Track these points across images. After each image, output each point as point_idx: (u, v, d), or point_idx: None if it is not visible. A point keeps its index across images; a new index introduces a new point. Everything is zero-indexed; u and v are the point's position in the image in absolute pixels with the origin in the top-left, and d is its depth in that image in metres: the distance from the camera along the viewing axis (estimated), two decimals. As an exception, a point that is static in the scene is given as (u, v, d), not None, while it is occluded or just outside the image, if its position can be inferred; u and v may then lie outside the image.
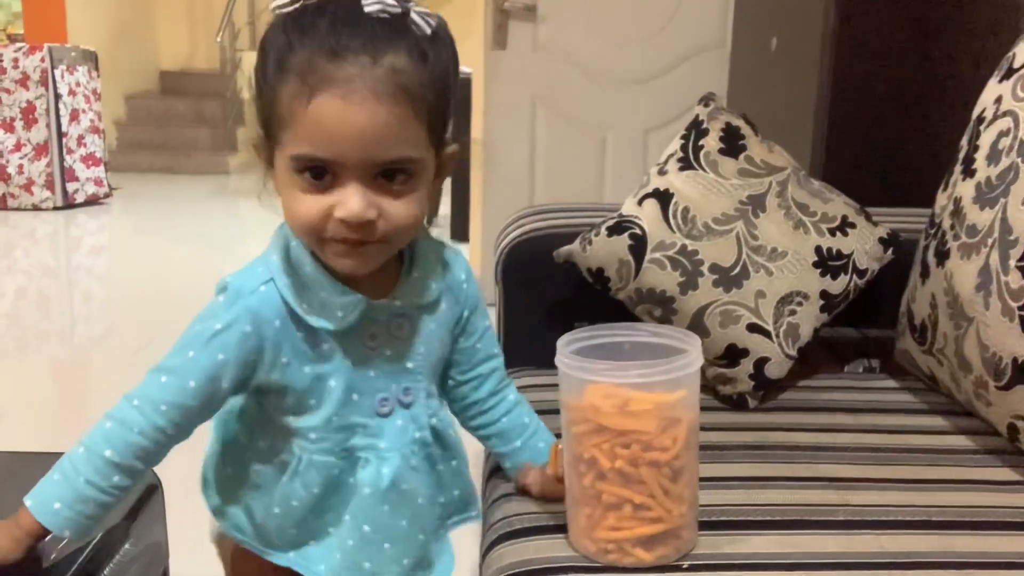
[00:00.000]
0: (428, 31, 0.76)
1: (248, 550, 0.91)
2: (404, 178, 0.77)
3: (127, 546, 0.98)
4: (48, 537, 0.82)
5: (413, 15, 0.76)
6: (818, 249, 1.29)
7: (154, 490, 1.07)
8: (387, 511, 0.87)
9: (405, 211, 0.78)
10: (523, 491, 0.99)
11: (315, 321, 0.82)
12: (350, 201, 0.75)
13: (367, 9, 0.74)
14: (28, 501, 0.82)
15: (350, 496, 0.87)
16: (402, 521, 0.88)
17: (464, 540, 1.77)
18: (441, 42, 0.78)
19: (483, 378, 0.97)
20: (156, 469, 1.05)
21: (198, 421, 0.84)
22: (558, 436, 0.93)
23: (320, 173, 0.76)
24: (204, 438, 0.91)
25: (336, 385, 0.84)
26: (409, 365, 0.88)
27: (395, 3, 0.75)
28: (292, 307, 0.82)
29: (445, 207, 4.82)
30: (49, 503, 0.81)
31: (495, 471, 1.06)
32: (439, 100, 0.77)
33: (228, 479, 0.92)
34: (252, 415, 0.89)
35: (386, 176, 0.76)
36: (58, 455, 0.90)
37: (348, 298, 0.82)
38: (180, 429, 0.82)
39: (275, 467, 0.88)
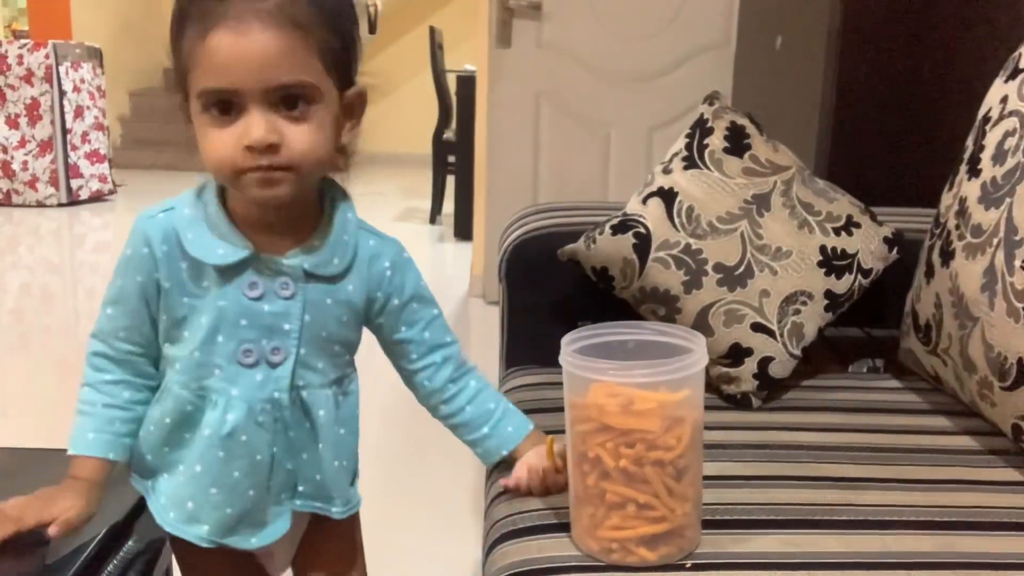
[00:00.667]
0: None
1: (184, 542, 0.93)
2: (304, 106, 0.82)
3: (130, 543, 0.98)
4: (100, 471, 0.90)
5: None
6: (823, 248, 1.29)
7: (158, 487, 1.07)
8: (221, 457, 0.89)
9: (306, 137, 0.82)
10: (518, 489, 0.98)
11: (193, 251, 0.86)
12: (253, 127, 0.80)
13: None
14: (70, 449, 0.89)
15: (196, 436, 0.90)
16: (234, 472, 0.90)
17: (466, 539, 1.78)
18: None
19: (436, 367, 0.98)
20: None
21: (155, 341, 0.91)
22: (557, 432, 0.93)
23: (226, 108, 0.81)
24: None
25: (204, 322, 0.88)
26: (285, 326, 0.89)
27: None
28: (179, 235, 0.87)
29: (449, 205, 4.83)
30: (83, 438, 0.89)
31: (496, 469, 1.06)
32: (332, 35, 0.83)
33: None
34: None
35: (286, 104, 0.81)
36: (63, 452, 0.90)
37: (235, 242, 0.87)
38: (142, 347, 0.91)
39: (155, 396, 0.93)
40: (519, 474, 0.99)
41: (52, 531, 0.85)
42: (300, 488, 0.94)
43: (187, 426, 0.90)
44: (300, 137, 0.82)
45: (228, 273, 0.87)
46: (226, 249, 0.87)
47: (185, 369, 0.89)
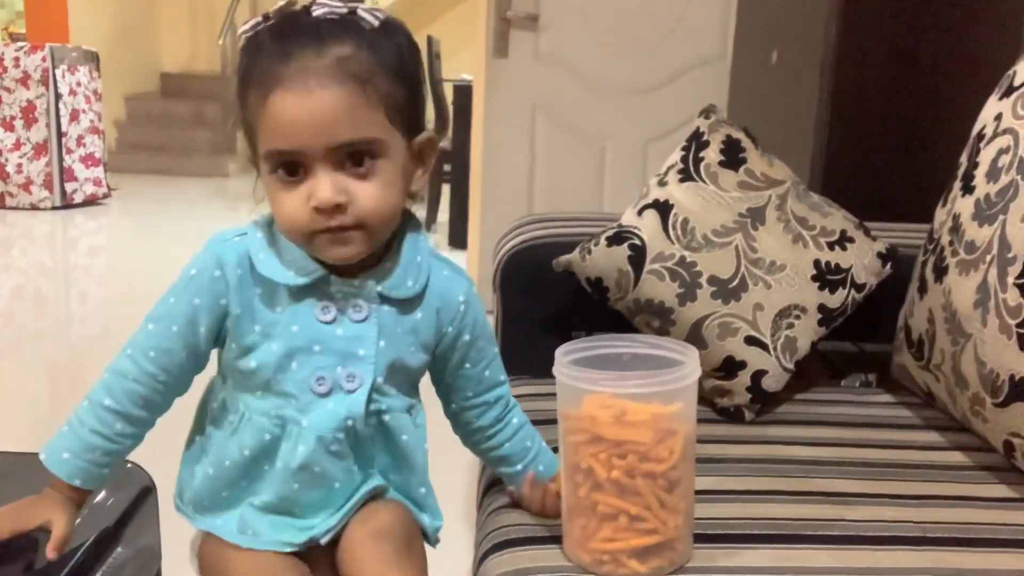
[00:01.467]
0: (376, 23, 0.81)
1: (217, 552, 0.91)
2: (370, 161, 0.80)
3: (119, 549, 0.97)
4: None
5: (360, 12, 0.81)
6: (817, 263, 1.29)
7: (148, 492, 1.07)
8: (296, 489, 0.88)
9: (373, 193, 0.80)
10: (519, 503, 0.99)
11: (265, 270, 0.84)
12: (319, 188, 0.79)
13: (315, 13, 0.80)
14: (42, 454, 0.86)
15: (276, 466, 0.88)
16: (313, 496, 0.89)
17: (458, 549, 1.77)
18: (391, 32, 0.83)
19: (488, 406, 0.97)
20: (150, 471, 1.06)
21: (189, 370, 0.87)
22: (554, 447, 0.93)
23: (292, 169, 0.80)
24: (185, 435, 0.91)
25: (276, 348, 0.85)
26: (360, 352, 0.87)
27: (341, 5, 0.81)
28: (252, 258, 0.85)
29: (444, 213, 4.83)
30: (59, 454, 0.85)
31: (492, 483, 1.06)
32: (395, 85, 0.81)
33: (193, 450, 0.93)
34: (218, 378, 0.92)
35: (352, 161, 0.80)
36: (52, 456, 0.89)
37: (307, 264, 0.85)
38: (171, 376, 0.86)
39: (222, 427, 0.90)
40: (523, 490, 0.98)
41: (49, 553, 0.83)
42: (388, 478, 0.93)
43: (267, 457, 0.88)
44: (367, 194, 0.80)
45: (300, 295, 0.85)
46: (298, 269, 0.85)
47: (266, 396, 0.87)
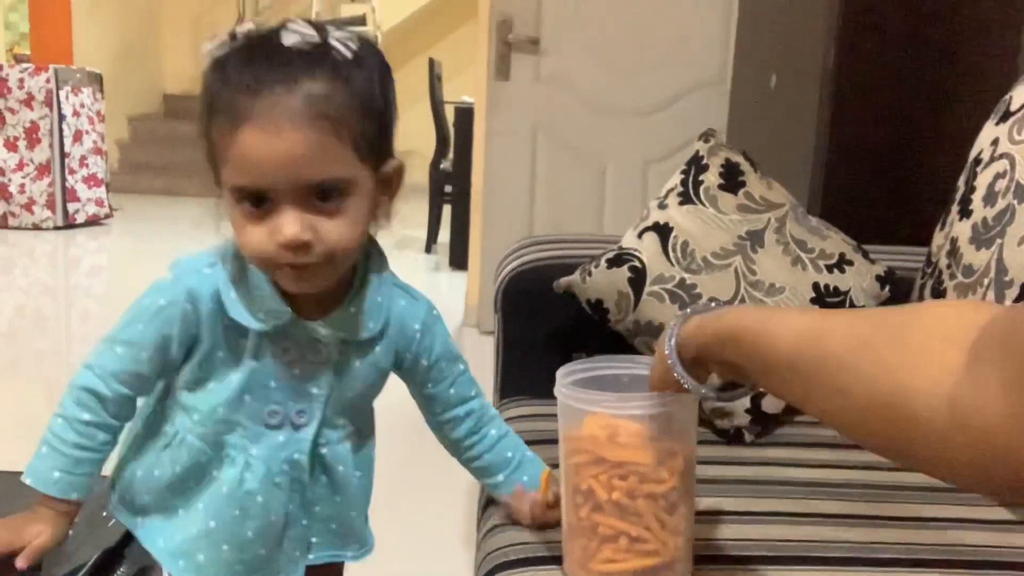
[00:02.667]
0: (348, 55, 0.78)
1: None
2: (337, 197, 0.79)
3: (122, 569, 0.97)
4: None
5: (332, 41, 0.78)
6: (815, 285, 1.30)
7: (149, 513, 1.07)
8: (236, 516, 0.88)
9: (340, 230, 0.80)
10: (514, 520, 0.99)
11: (237, 315, 0.84)
12: (285, 226, 0.77)
13: (286, 43, 0.77)
14: (28, 479, 0.86)
15: (208, 488, 0.89)
16: (247, 531, 0.89)
17: (458, 570, 1.77)
18: (364, 63, 0.80)
19: (459, 420, 0.99)
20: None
21: (157, 380, 0.89)
22: (554, 466, 0.94)
23: (258, 201, 0.79)
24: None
25: (235, 380, 0.86)
26: (314, 391, 0.88)
27: (313, 33, 0.78)
28: (221, 297, 0.85)
29: (444, 235, 4.84)
30: (48, 475, 0.86)
31: (491, 501, 1.06)
32: (364, 119, 0.79)
33: (131, 446, 0.94)
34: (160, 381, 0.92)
35: (319, 197, 0.79)
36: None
37: (277, 307, 0.85)
38: (138, 391, 0.88)
39: (156, 435, 0.90)
40: (512, 503, 0.99)
41: (19, 562, 0.84)
42: (314, 540, 0.93)
43: (196, 476, 0.89)
44: (334, 230, 0.79)
45: (266, 337, 0.86)
46: (267, 315, 0.85)
47: (204, 422, 0.88)
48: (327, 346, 0.88)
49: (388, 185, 0.86)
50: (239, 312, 0.85)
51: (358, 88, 0.79)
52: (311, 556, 0.94)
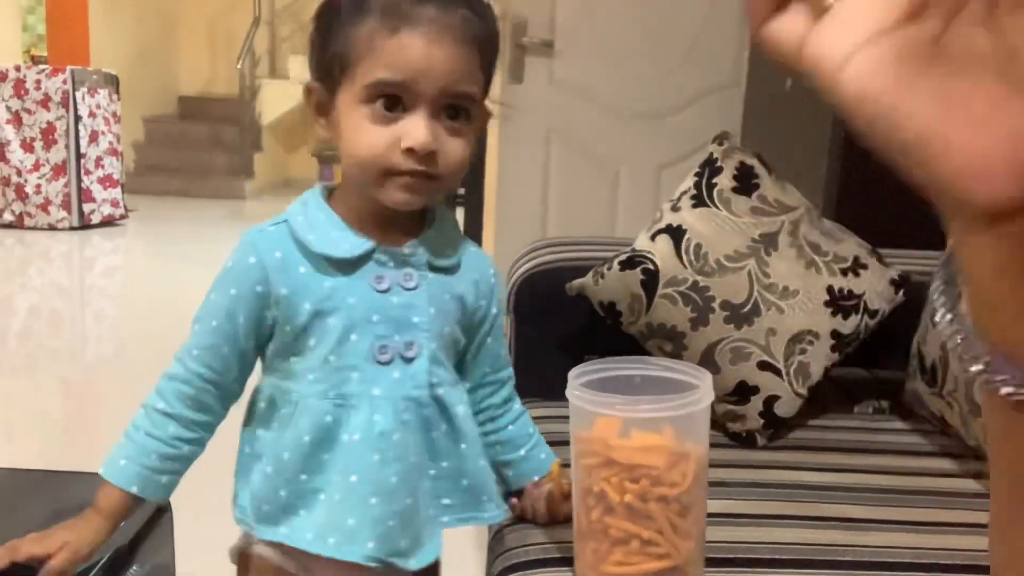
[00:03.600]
0: None
1: (262, 566, 0.90)
2: (463, 119, 0.84)
3: (134, 568, 0.98)
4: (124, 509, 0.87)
5: None
6: (830, 289, 1.30)
7: (162, 512, 1.08)
8: (376, 461, 0.85)
9: (460, 150, 0.84)
10: (523, 517, 0.99)
11: (319, 247, 0.85)
12: (417, 131, 0.80)
13: None
14: (101, 469, 0.87)
15: (340, 449, 0.85)
16: (391, 476, 0.85)
17: (468, 572, 1.77)
18: (489, 8, 0.87)
19: (502, 384, 0.99)
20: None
21: (234, 367, 0.88)
22: (565, 465, 0.94)
23: (392, 103, 0.81)
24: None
25: (335, 323, 0.85)
26: (415, 320, 0.87)
27: None
28: (299, 237, 0.85)
29: (457, 237, 4.84)
30: (116, 462, 0.86)
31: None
32: (492, 53, 0.86)
33: (243, 460, 0.91)
34: (262, 381, 0.91)
35: (448, 114, 0.83)
36: (67, 473, 0.90)
37: (358, 238, 0.86)
38: (217, 373, 0.87)
39: (273, 424, 0.88)
40: (525, 502, 0.99)
41: (45, 571, 0.83)
42: (446, 501, 0.90)
43: (326, 444, 0.85)
44: (455, 149, 0.83)
45: (352, 267, 0.85)
46: (351, 243, 0.85)
47: (321, 378, 0.86)
48: (417, 270, 0.87)
49: (481, 127, 0.90)
50: (322, 244, 0.85)
51: (490, 25, 0.86)
52: (444, 518, 0.90)
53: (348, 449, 0.85)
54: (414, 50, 0.79)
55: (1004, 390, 0.30)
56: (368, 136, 0.81)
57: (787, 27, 0.28)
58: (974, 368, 0.31)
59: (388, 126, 0.81)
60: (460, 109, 0.83)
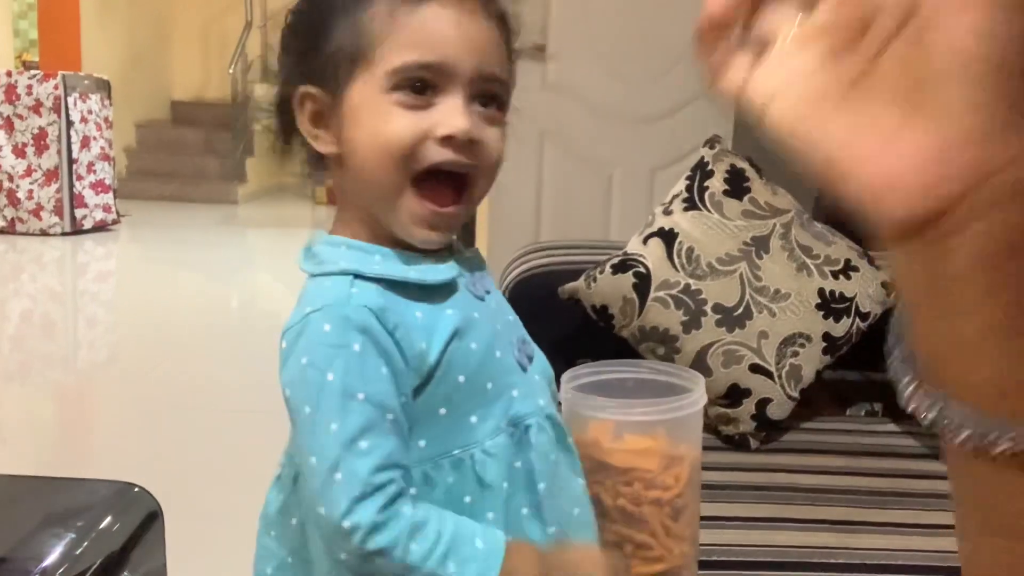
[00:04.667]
0: None
1: None
2: (496, 106, 0.72)
3: (126, 574, 0.97)
4: None
5: None
6: (821, 291, 1.30)
7: (154, 517, 1.07)
8: (556, 461, 0.73)
9: (499, 141, 0.72)
10: None
11: (427, 277, 0.69)
12: (455, 116, 0.67)
13: None
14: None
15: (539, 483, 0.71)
16: (576, 477, 0.74)
17: None
18: None
19: None
20: (156, 495, 1.06)
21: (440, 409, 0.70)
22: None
23: (422, 87, 0.68)
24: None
25: (477, 347, 0.70)
26: (510, 317, 0.77)
27: None
28: (400, 279, 0.68)
29: (450, 241, 4.85)
30: (477, 551, 0.66)
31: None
32: (513, 41, 0.75)
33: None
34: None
35: (483, 101, 0.70)
36: (60, 479, 0.90)
37: (431, 255, 0.71)
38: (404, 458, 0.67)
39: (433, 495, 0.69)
40: None
41: None
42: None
43: (520, 485, 0.71)
44: (495, 139, 0.70)
45: (454, 287, 0.71)
46: (437, 264, 0.71)
47: (488, 413, 0.70)
48: (483, 273, 0.76)
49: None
50: (427, 274, 0.69)
51: (509, 6, 0.75)
52: None
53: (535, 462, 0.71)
54: (442, 26, 0.67)
55: (1001, 447, 0.29)
56: (391, 127, 0.67)
57: (733, 75, 0.34)
58: (961, 437, 0.31)
59: (416, 113, 0.67)
60: (493, 96, 0.70)
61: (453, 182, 0.69)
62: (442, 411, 0.69)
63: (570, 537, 0.73)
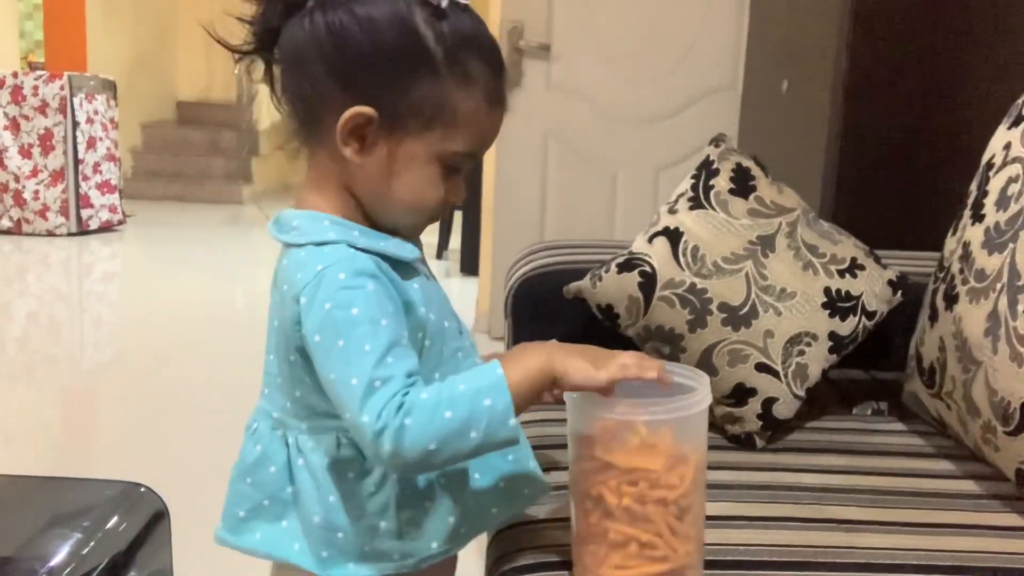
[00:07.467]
0: None
1: None
2: None
3: (132, 574, 0.98)
4: None
5: None
6: (827, 290, 1.30)
7: (160, 517, 1.07)
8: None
9: None
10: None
11: (401, 253, 0.84)
12: (461, 191, 0.86)
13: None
14: (507, 423, 0.78)
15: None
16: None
17: (467, 574, 1.76)
18: None
19: None
20: (162, 495, 1.06)
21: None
22: (564, 470, 0.93)
23: (455, 169, 0.85)
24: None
25: (436, 317, 0.86)
26: (444, 293, 0.91)
27: None
28: (381, 250, 0.82)
29: (455, 240, 4.85)
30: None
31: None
32: None
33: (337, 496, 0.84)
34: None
35: None
36: (66, 480, 0.90)
37: (401, 239, 0.86)
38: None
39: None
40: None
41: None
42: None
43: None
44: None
45: (415, 266, 0.86)
46: (403, 245, 0.85)
47: (447, 372, 0.84)
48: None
49: None
50: (401, 250, 0.84)
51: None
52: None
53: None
54: (495, 128, 0.85)
55: None
56: (434, 190, 0.84)
57: None
58: None
59: (444, 181, 0.84)
60: None
61: None
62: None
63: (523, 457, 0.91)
